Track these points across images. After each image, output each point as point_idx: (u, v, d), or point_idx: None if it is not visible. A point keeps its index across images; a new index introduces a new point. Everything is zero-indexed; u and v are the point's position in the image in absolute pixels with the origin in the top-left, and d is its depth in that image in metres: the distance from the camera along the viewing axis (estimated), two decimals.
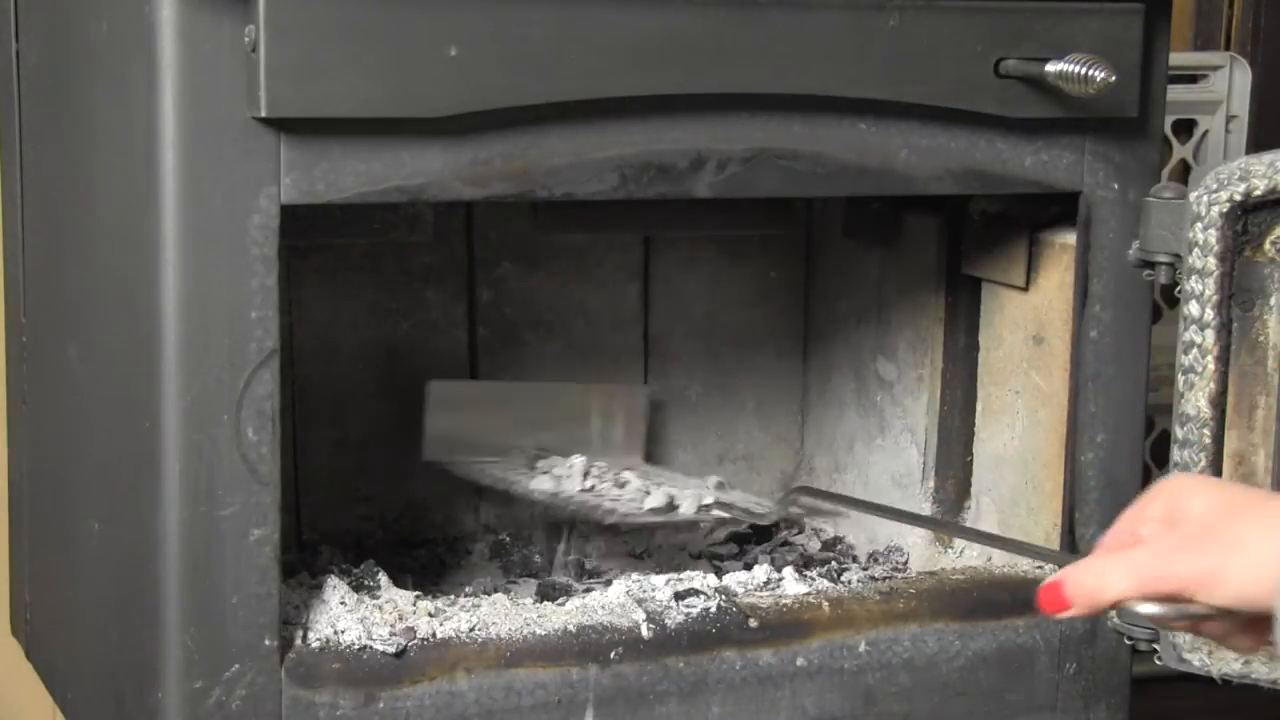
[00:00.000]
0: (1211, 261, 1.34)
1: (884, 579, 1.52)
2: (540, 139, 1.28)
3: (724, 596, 1.42)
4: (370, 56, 1.21)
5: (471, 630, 1.34)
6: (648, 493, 1.55)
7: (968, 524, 1.62)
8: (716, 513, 1.54)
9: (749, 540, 1.73)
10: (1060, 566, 1.00)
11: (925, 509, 1.65)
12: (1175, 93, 1.75)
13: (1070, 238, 1.47)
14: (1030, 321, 1.54)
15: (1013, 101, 1.38)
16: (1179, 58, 1.93)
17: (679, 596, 1.41)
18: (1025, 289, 1.54)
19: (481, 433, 1.64)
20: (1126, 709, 1.52)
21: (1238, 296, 1.35)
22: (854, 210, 1.72)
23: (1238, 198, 1.33)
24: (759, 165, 1.34)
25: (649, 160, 1.31)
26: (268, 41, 1.18)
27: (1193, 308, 1.35)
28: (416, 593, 1.42)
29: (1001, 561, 1.53)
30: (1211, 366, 1.36)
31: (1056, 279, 1.50)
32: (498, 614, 1.37)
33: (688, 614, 1.39)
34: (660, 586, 1.43)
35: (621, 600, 1.41)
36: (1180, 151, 2.03)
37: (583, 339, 1.74)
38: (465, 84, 1.24)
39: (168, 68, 1.19)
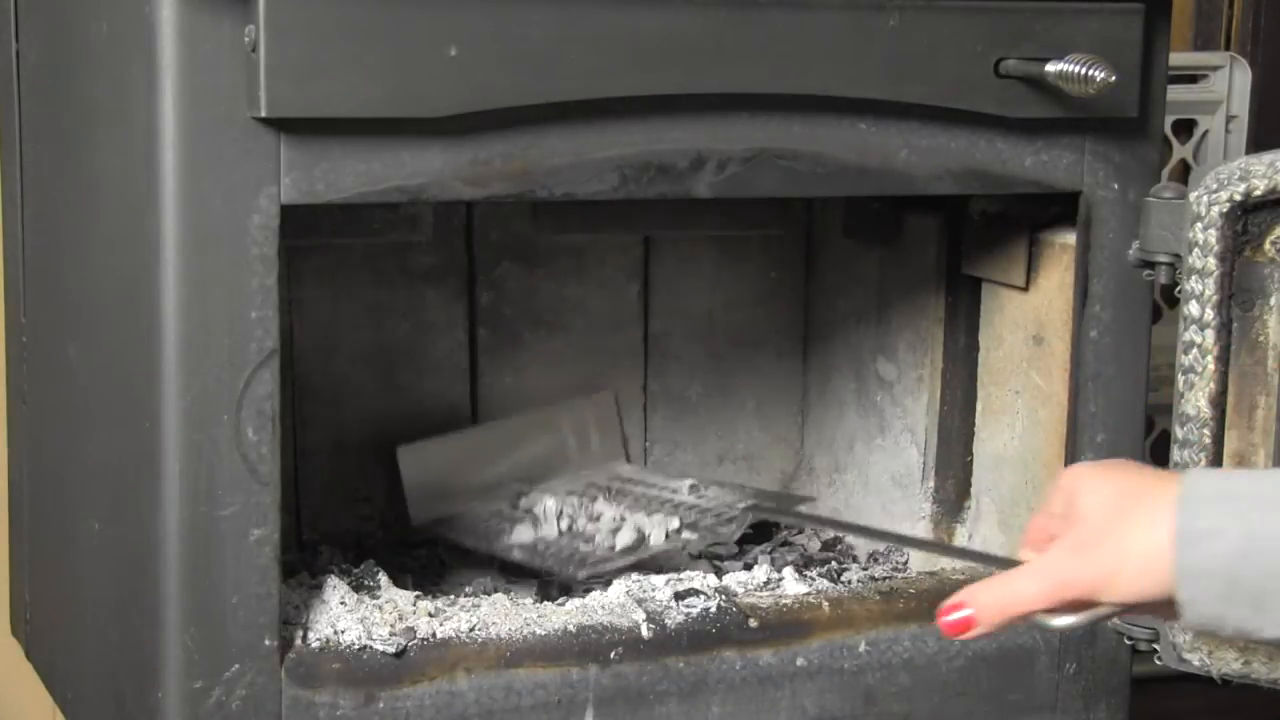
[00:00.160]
0: (1211, 261, 1.34)
1: (884, 579, 1.52)
2: (540, 139, 1.28)
3: (724, 596, 1.42)
4: (370, 56, 1.21)
5: (471, 630, 1.34)
6: (617, 528, 1.57)
7: (968, 524, 1.62)
8: (685, 535, 1.55)
9: (749, 540, 1.73)
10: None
11: (925, 509, 1.65)
12: (1175, 93, 1.74)
13: (1070, 238, 1.47)
14: (1030, 321, 1.54)
15: (1013, 101, 1.38)
16: (1179, 58, 1.93)
17: (679, 596, 1.41)
18: (1025, 289, 1.54)
19: (461, 483, 1.65)
20: (1126, 709, 1.52)
21: (1238, 296, 1.35)
22: (854, 210, 1.72)
23: (1238, 198, 1.33)
24: (759, 165, 1.34)
25: (649, 160, 1.31)
26: (268, 41, 1.18)
27: (1193, 308, 1.35)
28: (416, 593, 1.42)
29: None
30: (1211, 366, 1.36)
31: (1056, 279, 1.50)
32: (498, 614, 1.37)
33: (688, 614, 1.39)
34: (660, 586, 1.43)
35: (621, 600, 1.41)
36: (1180, 151, 2.03)
37: (583, 339, 1.74)
38: (465, 84, 1.24)
39: (168, 68, 1.19)
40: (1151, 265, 1.41)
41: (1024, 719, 1.48)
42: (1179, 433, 1.38)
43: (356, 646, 1.30)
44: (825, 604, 1.43)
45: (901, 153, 1.38)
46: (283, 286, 1.24)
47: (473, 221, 1.68)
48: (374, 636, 1.31)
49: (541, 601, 1.43)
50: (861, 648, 1.43)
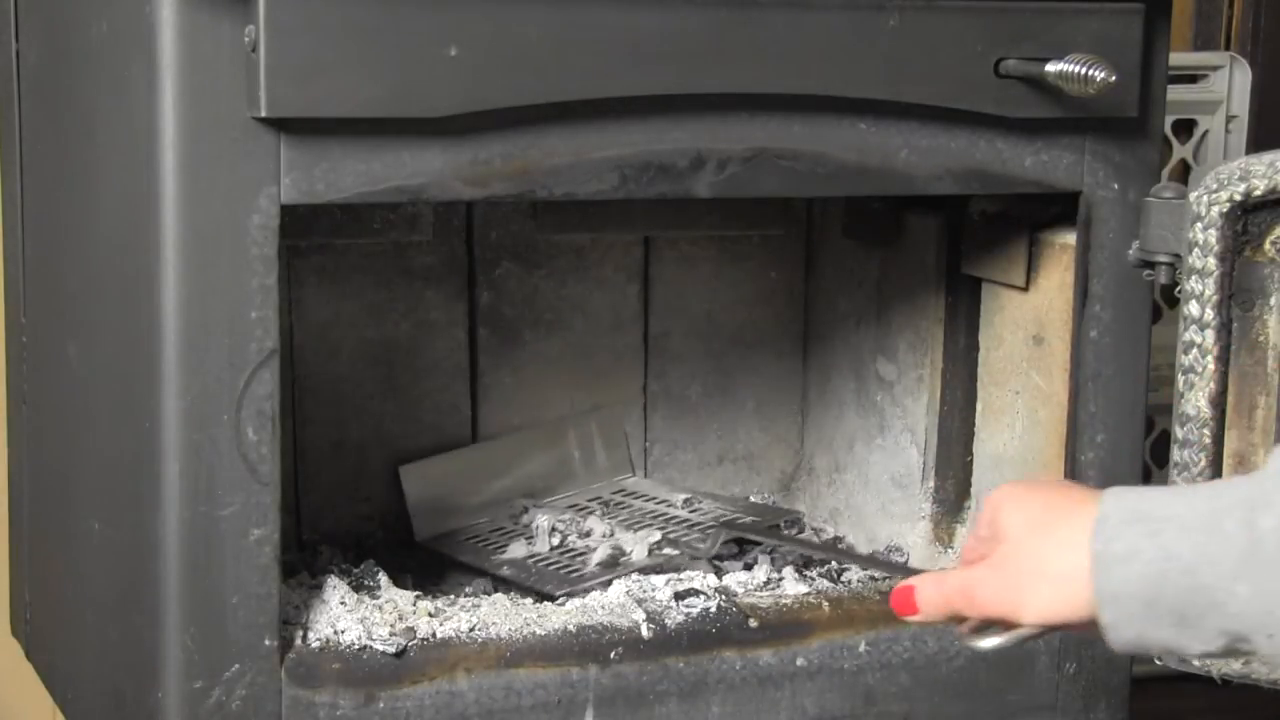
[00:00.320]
0: (1211, 261, 1.34)
1: (884, 579, 1.52)
2: (540, 139, 1.28)
3: (724, 596, 1.42)
4: (370, 56, 1.21)
5: (471, 630, 1.34)
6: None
7: (968, 524, 1.62)
8: (667, 550, 1.56)
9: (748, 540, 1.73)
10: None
11: (925, 509, 1.65)
12: (1175, 93, 1.75)
13: (1070, 238, 1.47)
14: (1030, 321, 1.54)
15: (1013, 101, 1.38)
16: (1179, 58, 1.93)
17: (679, 596, 1.41)
18: (1025, 289, 1.54)
19: (465, 499, 1.66)
20: (1126, 709, 1.52)
21: (1238, 296, 1.35)
22: (854, 210, 1.72)
23: (1238, 198, 1.33)
24: (759, 165, 1.34)
25: (649, 160, 1.31)
26: (268, 41, 1.18)
27: (1193, 308, 1.35)
28: (416, 593, 1.42)
29: None
30: (1211, 366, 1.35)
31: (1056, 279, 1.50)
32: (498, 614, 1.37)
33: (688, 614, 1.39)
34: (660, 586, 1.43)
35: (621, 600, 1.41)
36: (1180, 151, 2.03)
37: (583, 339, 1.74)
38: (465, 84, 1.24)
39: (168, 68, 1.19)
40: (1151, 265, 1.41)
41: (1024, 719, 1.48)
42: (1179, 433, 1.38)
43: (356, 646, 1.30)
44: (825, 604, 1.43)
45: (901, 153, 1.38)
46: (283, 286, 1.24)
47: (473, 221, 1.68)
48: (374, 636, 1.31)
49: (541, 601, 1.43)
50: (861, 648, 1.43)
